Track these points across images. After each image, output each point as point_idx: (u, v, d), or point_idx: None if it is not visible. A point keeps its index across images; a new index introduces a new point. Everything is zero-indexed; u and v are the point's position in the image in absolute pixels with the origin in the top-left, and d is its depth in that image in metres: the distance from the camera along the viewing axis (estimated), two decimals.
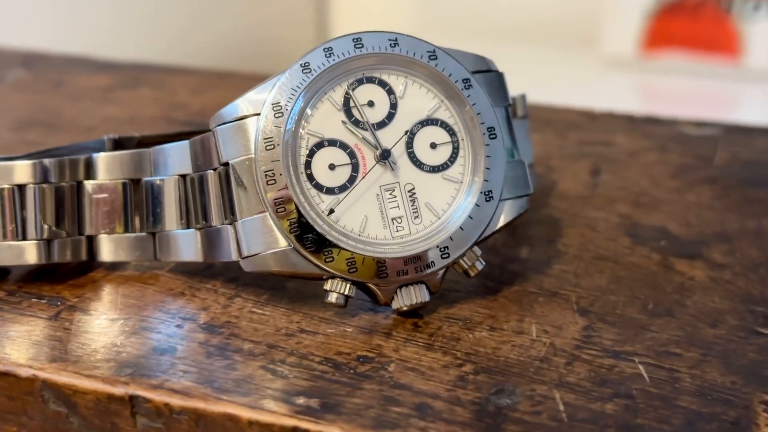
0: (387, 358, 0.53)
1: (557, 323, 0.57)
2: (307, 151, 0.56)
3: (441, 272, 0.57)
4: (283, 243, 0.55)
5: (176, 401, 0.50)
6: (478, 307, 0.58)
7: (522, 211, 0.59)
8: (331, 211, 0.55)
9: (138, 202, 0.60)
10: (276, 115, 0.55)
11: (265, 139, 0.55)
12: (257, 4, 1.96)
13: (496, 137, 0.57)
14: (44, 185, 0.59)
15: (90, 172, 0.60)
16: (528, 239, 0.66)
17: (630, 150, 0.81)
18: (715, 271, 0.62)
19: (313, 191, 0.56)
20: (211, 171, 0.57)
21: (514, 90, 0.63)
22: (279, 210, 0.55)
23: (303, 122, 0.56)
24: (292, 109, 0.55)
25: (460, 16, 2.02)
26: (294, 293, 0.59)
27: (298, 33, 2.09)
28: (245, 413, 0.49)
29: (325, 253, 0.55)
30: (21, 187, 0.59)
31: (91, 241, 0.61)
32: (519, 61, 1.39)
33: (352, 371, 0.52)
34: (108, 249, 0.61)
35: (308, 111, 0.56)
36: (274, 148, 0.55)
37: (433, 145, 0.57)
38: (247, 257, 0.56)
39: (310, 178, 0.56)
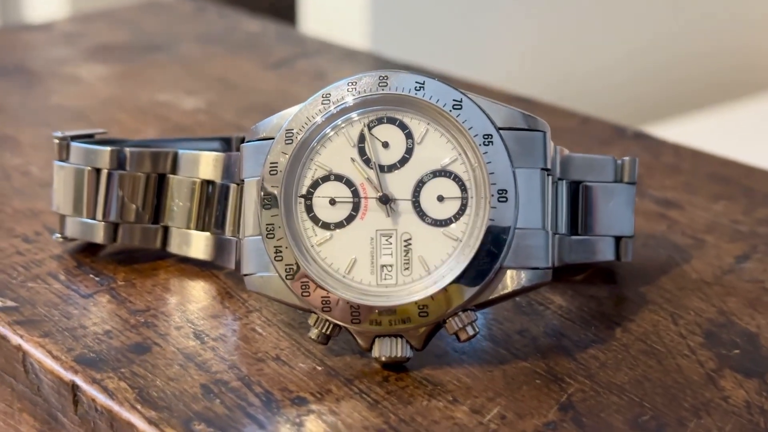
0: (322, 405, 0.52)
1: (524, 412, 0.52)
2: (311, 182, 0.55)
3: (422, 330, 0.54)
4: (271, 268, 0.55)
5: (101, 399, 0.52)
6: (466, 375, 0.55)
7: (532, 284, 0.54)
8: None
9: (209, 202, 0.62)
10: (286, 142, 0.55)
11: (271, 163, 0.55)
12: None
13: (506, 201, 0.54)
14: (120, 172, 0.63)
15: (174, 167, 0.63)
16: (592, 316, 0.61)
17: None
18: (762, 397, 0.54)
19: (308, 222, 0.55)
20: (234, 185, 0.58)
21: None
22: (269, 235, 0.55)
23: (312, 153, 0.55)
24: (301, 138, 0.55)
25: None
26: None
27: None
28: (143, 426, 0.50)
29: (303, 286, 0.54)
30: (98, 171, 0.63)
31: (167, 231, 0.64)
32: None
33: (276, 410, 0.52)
34: (176, 242, 0.64)
35: (318, 143, 0.55)
36: (277, 174, 0.55)
37: (441, 198, 0.55)
38: (245, 275, 0.57)
39: (308, 209, 0.55)
